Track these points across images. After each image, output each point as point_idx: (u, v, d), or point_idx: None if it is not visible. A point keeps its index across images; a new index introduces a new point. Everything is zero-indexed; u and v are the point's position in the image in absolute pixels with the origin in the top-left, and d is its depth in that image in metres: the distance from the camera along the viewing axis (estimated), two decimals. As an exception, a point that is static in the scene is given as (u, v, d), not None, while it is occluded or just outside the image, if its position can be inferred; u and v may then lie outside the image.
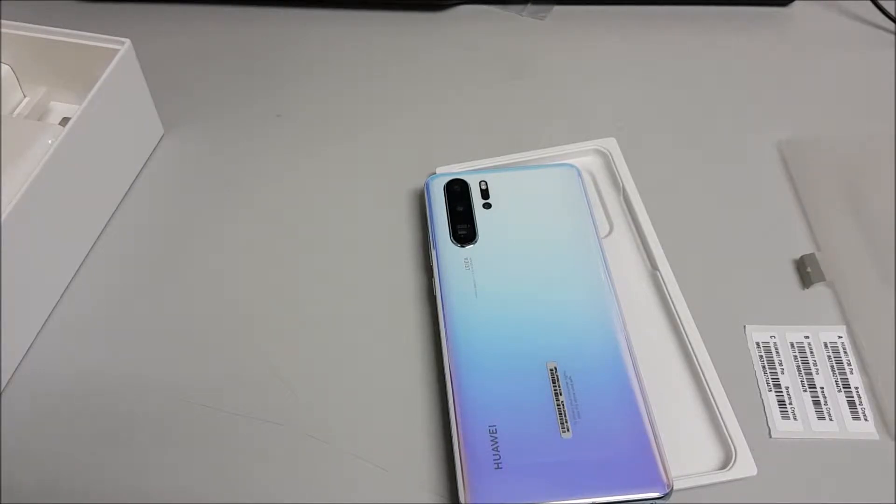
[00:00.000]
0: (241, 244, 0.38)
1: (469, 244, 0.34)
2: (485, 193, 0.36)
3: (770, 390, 0.32)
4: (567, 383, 0.29)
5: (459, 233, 0.34)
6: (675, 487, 0.27)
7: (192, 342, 0.33)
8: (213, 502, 0.30)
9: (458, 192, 0.36)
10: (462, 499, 0.27)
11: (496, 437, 0.28)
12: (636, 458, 0.27)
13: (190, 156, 0.41)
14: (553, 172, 0.37)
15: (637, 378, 0.30)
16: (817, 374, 0.32)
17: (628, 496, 0.27)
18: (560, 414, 0.29)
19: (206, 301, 0.35)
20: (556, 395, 0.29)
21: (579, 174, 0.37)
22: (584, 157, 0.39)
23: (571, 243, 0.34)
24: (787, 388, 0.32)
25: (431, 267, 0.34)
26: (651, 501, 0.27)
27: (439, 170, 0.38)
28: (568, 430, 0.28)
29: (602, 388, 0.29)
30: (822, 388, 0.32)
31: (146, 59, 0.39)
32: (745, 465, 0.29)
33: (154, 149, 0.41)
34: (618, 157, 0.39)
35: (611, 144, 0.39)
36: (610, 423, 0.28)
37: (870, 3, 0.46)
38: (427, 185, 0.37)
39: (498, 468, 0.27)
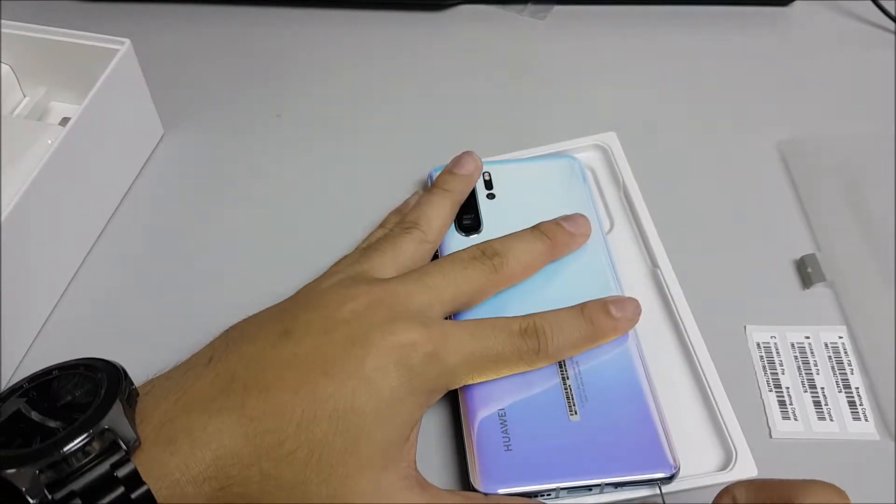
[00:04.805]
0: (241, 244, 0.38)
1: (474, 233, 0.34)
2: (488, 184, 0.36)
3: (770, 390, 0.32)
4: (574, 368, 0.30)
5: (464, 222, 0.35)
6: (675, 489, 0.28)
7: (193, 342, 0.33)
8: None
9: None
10: (473, 481, 0.28)
11: (505, 421, 0.28)
12: (643, 440, 0.28)
13: (190, 155, 0.41)
14: (555, 163, 0.37)
15: (642, 363, 0.30)
16: (818, 374, 0.32)
17: (636, 476, 0.27)
18: (567, 398, 0.29)
19: (207, 301, 0.35)
20: (563, 379, 0.29)
21: (581, 166, 0.37)
22: (584, 152, 0.39)
23: None
24: (787, 388, 0.32)
25: (437, 256, 0.34)
26: (658, 481, 0.27)
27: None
28: (576, 412, 0.29)
29: (608, 373, 0.30)
30: (822, 388, 0.32)
31: (146, 59, 0.39)
32: (745, 466, 0.29)
33: (154, 149, 0.41)
34: (618, 151, 0.39)
35: (611, 139, 0.39)
36: (617, 406, 0.29)
37: (870, 3, 0.46)
38: (431, 175, 0.37)
39: (508, 450, 0.28)
